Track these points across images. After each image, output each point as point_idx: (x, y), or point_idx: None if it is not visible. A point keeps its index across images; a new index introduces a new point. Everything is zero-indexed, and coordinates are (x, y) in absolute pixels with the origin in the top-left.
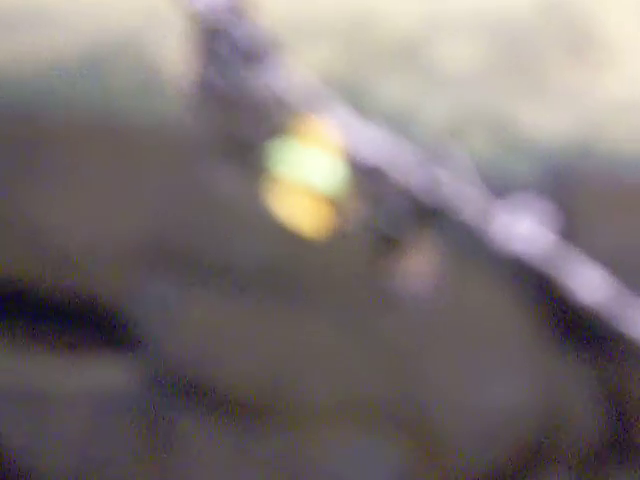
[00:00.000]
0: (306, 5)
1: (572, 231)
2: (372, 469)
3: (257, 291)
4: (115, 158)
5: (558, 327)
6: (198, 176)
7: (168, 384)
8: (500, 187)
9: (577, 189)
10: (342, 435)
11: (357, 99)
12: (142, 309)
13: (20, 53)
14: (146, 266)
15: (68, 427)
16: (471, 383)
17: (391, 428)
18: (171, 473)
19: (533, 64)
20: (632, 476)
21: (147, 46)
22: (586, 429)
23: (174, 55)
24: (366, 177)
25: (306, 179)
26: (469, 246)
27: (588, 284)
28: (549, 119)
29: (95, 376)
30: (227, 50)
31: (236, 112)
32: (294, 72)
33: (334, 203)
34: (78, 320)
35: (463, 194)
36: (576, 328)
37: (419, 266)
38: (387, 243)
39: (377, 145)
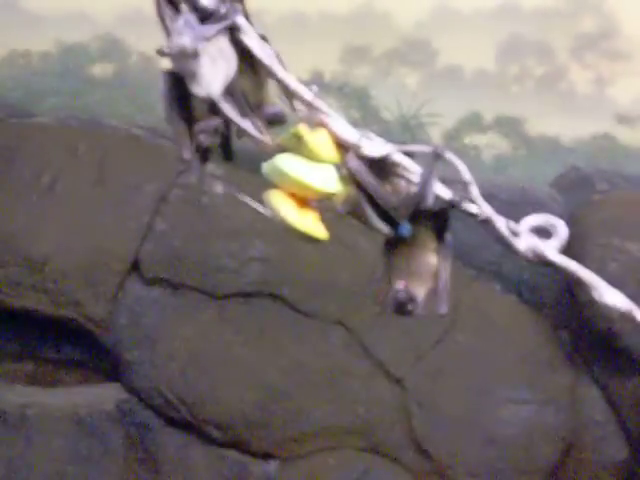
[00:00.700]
0: (310, 4)
1: (586, 242)
2: None
3: (245, 311)
4: (95, 165)
5: (579, 349)
6: (185, 183)
7: (151, 405)
8: (519, 187)
9: (594, 193)
10: (338, 459)
11: (361, 98)
12: (125, 328)
13: None
14: (129, 282)
15: (50, 448)
16: (486, 406)
17: (395, 453)
18: None
19: (549, 67)
20: None
21: (123, 41)
22: (606, 450)
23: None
24: (364, 180)
25: (305, 183)
26: (492, 265)
27: (607, 301)
28: (568, 123)
29: (78, 397)
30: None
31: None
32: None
33: (332, 205)
34: (61, 339)
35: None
36: (596, 349)
37: (425, 273)
38: (391, 245)
39: (377, 148)
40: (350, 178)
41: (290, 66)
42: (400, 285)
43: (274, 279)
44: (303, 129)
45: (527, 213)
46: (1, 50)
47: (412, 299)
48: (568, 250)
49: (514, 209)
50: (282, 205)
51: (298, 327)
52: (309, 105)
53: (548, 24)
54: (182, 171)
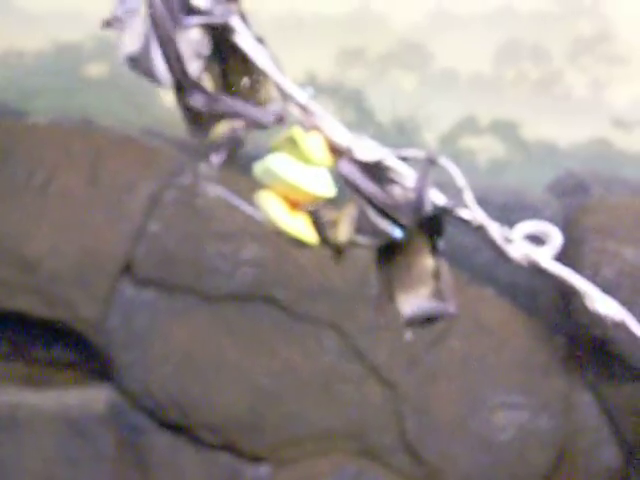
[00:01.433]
0: (306, 6)
1: (581, 246)
2: None
3: (238, 313)
4: (89, 165)
5: (574, 354)
6: (180, 185)
7: (143, 407)
8: (515, 191)
9: (589, 197)
10: (330, 463)
11: (356, 100)
12: (117, 329)
13: None
14: (122, 283)
15: (41, 449)
16: (480, 411)
17: (387, 457)
18: None
19: (545, 70)
20: None
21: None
22: (600, 456)
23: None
24: (360, 184)
25: (297, 186)
26: (486, 269)
27: (601, 310)
28: (564, 127)
29: (69, 398)
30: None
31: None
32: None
33: (325, 209)
34: (52, 340)
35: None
36: (590, 355)
37: (425, 277)
38: (383, 255)
39: (370, 152)
40: (346, 183)
41: (285, 68)
42: (420, 298)
43: (267, 282)
44: (297, 132)
45: (522, 218)
46: None
47: (414, 313)
48: (563, 254)
49: (509, 214)
50: (273, 207)
51: (291, 330)
52: (303, 108)
53: (544, 27)
54: (177, 172)
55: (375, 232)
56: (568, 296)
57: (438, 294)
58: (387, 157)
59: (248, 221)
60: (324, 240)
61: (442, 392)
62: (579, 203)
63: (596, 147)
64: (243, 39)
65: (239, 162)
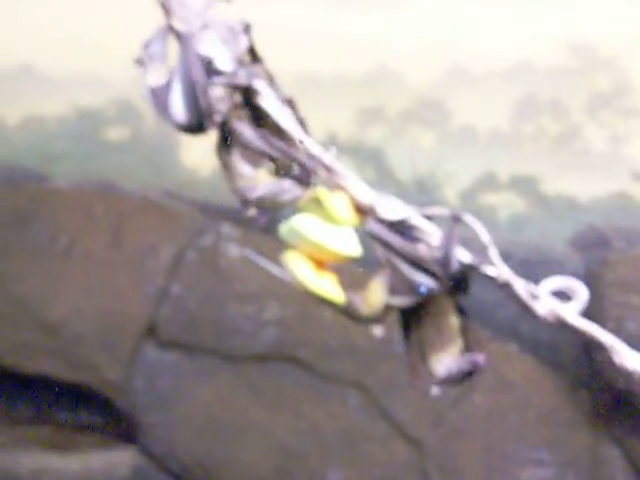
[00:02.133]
0: (325, 65)
1: (604, 300)
2: None
3: (261, 374)
4: (111, 228)
5: (599, 409)
6: (202, 247)
7: (167, 469)
8: (536, 246)
9: (610, 251)
10: None
11: (376, 158)
12: (141, 392)
13: (8, 112)
14: (145, 345)
15: None
16: (506, 468)
17: None
18: None
19: (563, 125)
20: None
21: (137, 105)
22: None
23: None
24: (390, 239)
25: (323, 246)
26: (508, 325)
27: (628, 365)
28: (584, 181)
29: (93, 462)
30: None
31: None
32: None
33: (349, 269)
34: (76, 403)
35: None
36: (615, 409)
37: (455, 335)
38: (408, 317)
39: (395, 210)
40: (376, 241)
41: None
42: (451, 357)
43: (290, 341)
44: (322, 192)
45: (544, 272)
46: (16, 114)
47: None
48: (586, 309)
49: (531, 269)
50: (299, 267)
51: (315, 389)
52: (328, 168)
53: (562, 82)
54: (198, 233)
55: (410, 289)
56: (592, 351)
57: (467, 350)
58: (412, 215)
59: (270, 281)
60: (354, 318)
61: (467, 449)
62: (601, 257)
63: (616, 201)
64: (267, 101)
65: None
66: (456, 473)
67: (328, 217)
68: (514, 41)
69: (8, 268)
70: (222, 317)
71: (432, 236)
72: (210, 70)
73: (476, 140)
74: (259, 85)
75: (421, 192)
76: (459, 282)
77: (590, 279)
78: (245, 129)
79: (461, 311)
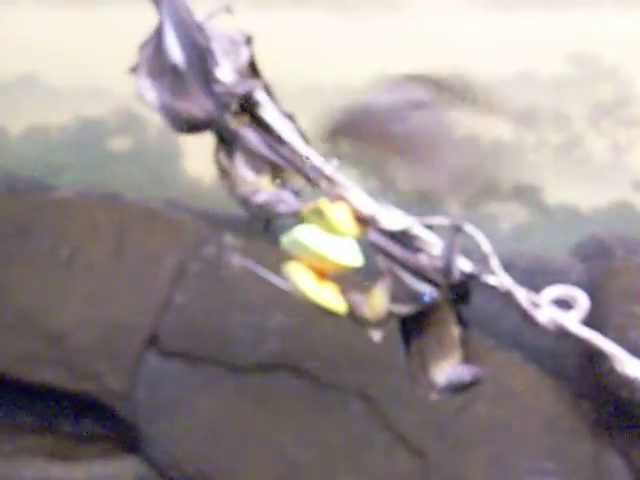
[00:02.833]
0: (326, 74)
1: (606, 310)
2: None
3: (264, 383)
4: (114, 238)
5: (602, 417)
6: (205, 257)
7: (170, 478)
8: (539, 255)
9: (613, 260)
10: None
11: (380, 169)
12: (144, 401)
13: (10, 121)
14: (148, 355)
15: None
16: (509, 477)
17: None
18: None
19: (565, 135)
20: None
21: (140, 115)
22: None
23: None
24: (391, 249)
25: (325, 256)
26: (511, 334)
27: (630, 373)
28: (586, 191)
29: (97, 471)
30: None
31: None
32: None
33: (353, 290)
34: (79, 413)
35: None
36: (618, 418)
37: (455, 345)
38: (410, 327)
39: (396, 221)
40: (378, 250)
41: (309, 139)
42: (451, 366)
43: (293, 351)
44: (323, 203)
45: (546, 282)
46: (19, 124)
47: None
48: (588, 318)
49: (533, 278)
50: (301, 278)
51: (318, 399)
52: (329, 179)
53: (564, 92)
54: (201, 243)
55: (412, 297)
56: (594, 359)
57: (466, 360)
58: (413, 225)
59: (273, 291)
60: (357, 319)
61: (470, 459)
62: (603, 266)
63: (618, 210)
64: (268, 113)
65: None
66: None
67: (330, 228)
68: (515, 51)
69: (11, 278)
70: (225, 327)
71: (433, 246)
72: (210, 79)
73: (478, 149)
74: (260, 96)
75: (423, 201)
76: (460, 292)
77: (592, 288)
78: (250, 135)
79: (462, 321)
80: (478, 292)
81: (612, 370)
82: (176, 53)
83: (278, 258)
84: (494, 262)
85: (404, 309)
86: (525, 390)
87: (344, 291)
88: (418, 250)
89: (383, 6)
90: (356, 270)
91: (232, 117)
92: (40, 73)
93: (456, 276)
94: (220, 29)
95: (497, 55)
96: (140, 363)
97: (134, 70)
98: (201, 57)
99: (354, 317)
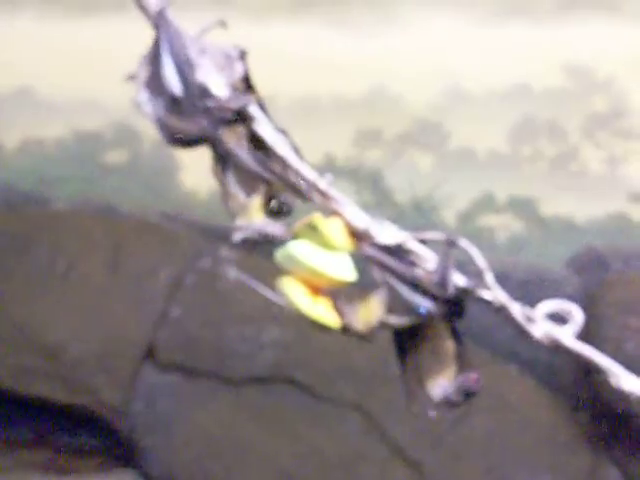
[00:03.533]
0: (322, 88)
1: (602, 322)
2: None
3: (260, 396)
4: (110, 251)
5: (598, 430)
6: (200, 269)
7: None
8: (535, 267)
9: (609, 272)
10: None
11: (374, 181)
12: (140, 414)
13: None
14: (144, 368)
15: None
16: None
17: None
18: None
19: (561, 147)
20: None
21: (136, 128)
22: None
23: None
24: (387, 262)
25: (319, 271)
26: (507, 346)
27: (625, 388)
28: (582, 202)
29: None
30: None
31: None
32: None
33: (347, 297)
34: (75, 426)
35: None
36: (615, 431)
37: (451, 359)
38: (403, 341)
39: (391, 235)
40: (373, 263)
41: (303, 150)
42: (447, 380)
43: (289, 364)
44: (317, 218)
45: (542, 294)
46: (15, 138)
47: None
48: (584, 330)
49: (529, 290)
50: (294, 293)
51: (314, 412)
52: (323, 194)
53: (559, 104)
54: (197, 256)
55: (408, 309)
56: (590, 372)
57: (462, 374)
58: (407, 240)
59: (268, 303)
60: (347, 327)
61: (467, 471)
62: (599, 278)
63: (614, 222)
64: (262, 128)
65: (261, 247)
66: None
67: (323, 243)
68: (511, 63)
69: (7, 291)
70: (221, 340)
71: (427, 261)
72: (205, 94)
73: (474, 162)
74: (254, 111)
75: (419, 214)
76: (455, 306)
77: (588, 300)
78: (241, 151)
79: (456, 336)
80: (473, 304)
81: (607, 384)
82: (174, 84)
83: (274, 271)
84: (489, 277)
85: (400, 321)
86: (521, 403)
87: (336, 300)
88: (413, 264)
89: (381, 20)
90: (350, 285)
91: (226, 132)
92: (36, 87)
93: (451, 290)
94: (214, 43)
95: (493, 68)
96: (136, 376)
97: (133, 78)
98: (197, 91)
99: (344, 326)
